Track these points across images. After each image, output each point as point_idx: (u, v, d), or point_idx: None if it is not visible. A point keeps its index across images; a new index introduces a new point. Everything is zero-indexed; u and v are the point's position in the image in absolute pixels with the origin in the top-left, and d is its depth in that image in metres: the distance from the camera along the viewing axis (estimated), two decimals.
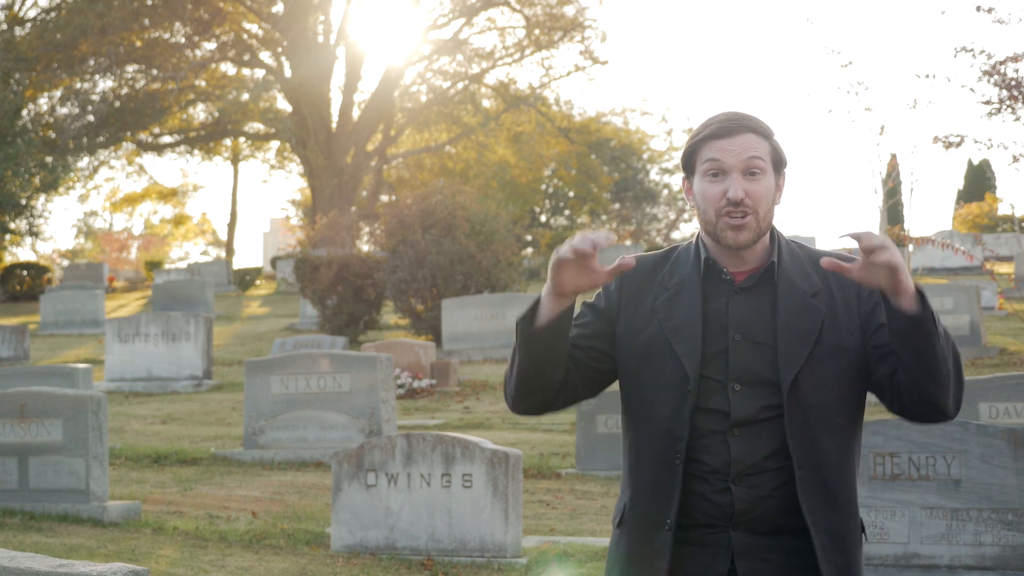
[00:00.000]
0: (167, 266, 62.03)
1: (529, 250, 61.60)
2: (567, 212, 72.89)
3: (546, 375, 3.57)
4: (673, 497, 3.49)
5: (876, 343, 3.53)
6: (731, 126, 3.56)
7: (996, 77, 23.84)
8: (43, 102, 53.01)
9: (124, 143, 57.79)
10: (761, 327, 3.53)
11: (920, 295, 3.34)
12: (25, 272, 48.77)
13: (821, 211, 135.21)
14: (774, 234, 3.65)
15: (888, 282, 3.31)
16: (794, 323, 3.52)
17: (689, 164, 3.64)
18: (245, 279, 49.46)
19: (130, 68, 52.55)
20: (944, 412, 3.49)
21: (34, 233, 53.00)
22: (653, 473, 3.55)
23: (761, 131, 3.58)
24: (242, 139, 65.52)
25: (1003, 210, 50.94)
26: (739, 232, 3.51)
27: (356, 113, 54.06)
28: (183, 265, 63.99)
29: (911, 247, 29.99)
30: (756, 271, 3.59)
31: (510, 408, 3.73)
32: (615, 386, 3.73)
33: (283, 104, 57.86)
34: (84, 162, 56.51)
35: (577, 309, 3.68)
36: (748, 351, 3.51)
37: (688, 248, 3.69)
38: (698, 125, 3.67)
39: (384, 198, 59.63)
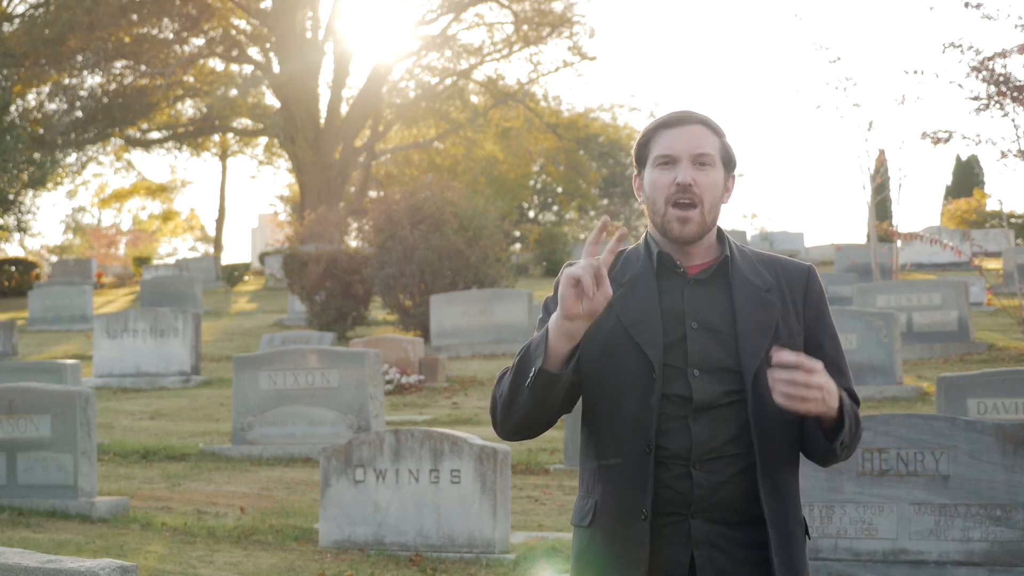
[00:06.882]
0: (155, 262, 61.92)
1: (517, 246, 61.63)
2: (555, 208, 72.92)
3: (553, 412, 3.57)
4: (647, 486, 3.50)
5: None
6: (682, 116, 3.69)
7: (984, 73, 23.82)
8: (31, 98, 52.99)
9: (112, 139, 57.76)
10: (718, 317, 3.58)
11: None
12: (13, 268, 48.65)
13: (809, 207, 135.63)
14: (723, 235, 3.74)
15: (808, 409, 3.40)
16: (752, 315, 3.58)
17: (641, 156, 3.73)
18: (233, 275, 49.42)
19: (118, 64, 52.54)
20: (827, 466, 3.68)
21: (22, 229, 52.97)
22: (624, 465, 3.55)
23: (712, 127, 3.70)
24: (230, 135, 65.52)
25: (991, 206, 50.97)
26: (684, 225, 3.59)
27: (344, 109, 54.07)
28: (171, 261, 63.86)
29: (899, 243, 30.05)
30: (709, 265, 3.67)
31: (500, 436, 3.72)
32: None
33: (271, 100, 57.90)
34: (72, 158, 56.40)
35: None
36: (706, 338, 3.56)
37: (637, 248, 3.76)
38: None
39: (372, 194, 59.61)
